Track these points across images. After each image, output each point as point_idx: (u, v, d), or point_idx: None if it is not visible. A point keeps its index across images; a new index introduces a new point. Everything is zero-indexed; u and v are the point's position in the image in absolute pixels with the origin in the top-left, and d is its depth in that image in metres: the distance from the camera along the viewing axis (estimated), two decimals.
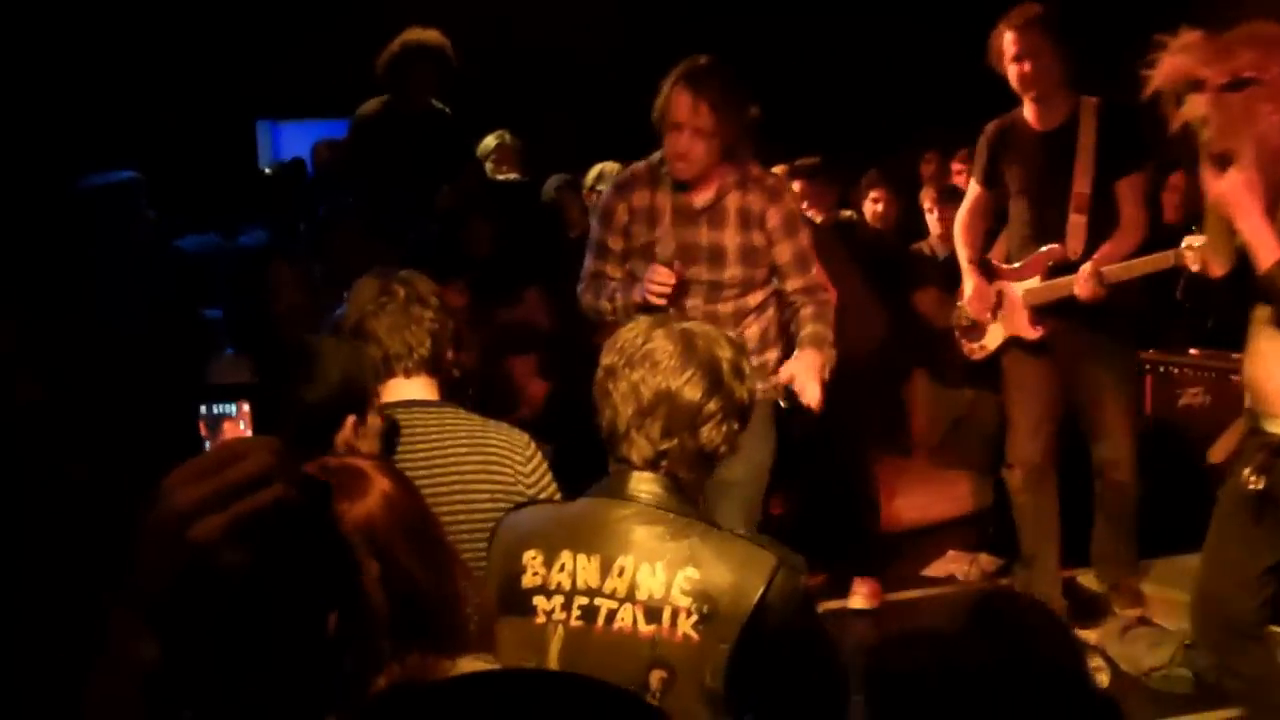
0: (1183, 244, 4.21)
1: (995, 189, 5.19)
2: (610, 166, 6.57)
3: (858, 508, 5.67)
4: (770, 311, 4.37)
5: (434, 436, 3.17)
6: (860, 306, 5.60)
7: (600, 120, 7.89)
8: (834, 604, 5.61)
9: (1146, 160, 4.99)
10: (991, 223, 5.34)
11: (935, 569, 5.94)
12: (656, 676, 2.39)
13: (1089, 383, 5.03)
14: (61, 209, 4.86)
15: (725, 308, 4.24)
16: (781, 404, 5.45)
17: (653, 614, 2.41)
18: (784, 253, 4.25)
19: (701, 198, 4.22)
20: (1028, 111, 5.00)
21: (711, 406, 2.50)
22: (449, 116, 6.48)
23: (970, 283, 5.22)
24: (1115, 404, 5.03)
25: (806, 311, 4.25)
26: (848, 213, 6.91)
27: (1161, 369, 6.19)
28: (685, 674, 2.38)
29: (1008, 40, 4.88)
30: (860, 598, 5.59)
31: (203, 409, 2.46)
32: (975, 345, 5.31)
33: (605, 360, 2.57)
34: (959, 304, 5.36)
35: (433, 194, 6.27)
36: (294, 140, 10.17)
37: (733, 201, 4.22)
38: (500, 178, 7.05)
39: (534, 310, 5.99)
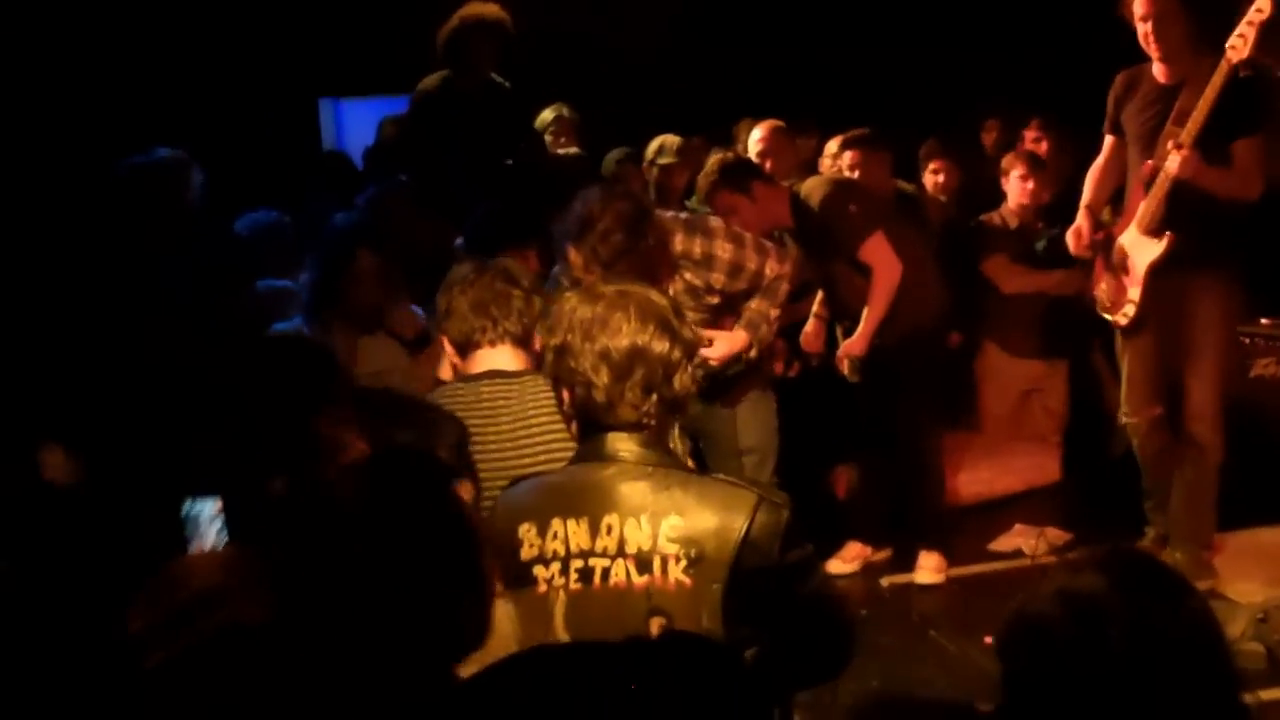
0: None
1: (1122, 137, 5.23)
2: (670, 140, 6.54)
3: (922, 481, 5.62)
4: None
5: (515, 407, 3.28)
6: (926, 280, 5.56)
7: (658, 95, 7.87)
8: (900, 578, 5.58)
9: (1261, 127, 4.92)
10: (1121, 179, 5.31)
11: (1001, 543, 5.89)
12: (655, 624, 2.45)
13: (1180, 333, 5.10)
14: (103, 189, 4.89)
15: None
16: (848, 376, 5.45)
17: (644, 565, 2.48)
18: (742, 285, 4.78)
19: None
20: (1155, 66, 5.04)
21: (676, 354, 2.54)
22: (508, 90, 6.47)
23: (1078, 222, 5.27)
24: (1201, 359, 5.08)
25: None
26: (908, 185, 6.83)
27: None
28: (682, 619, 2.45)
29: (1138, 1, 4.90)
30: (926, 572, 5.55)
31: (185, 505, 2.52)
32: (1123, 310, 5.24)
33: (554, 340, 2.58)
34: (1095, 293, 5.37)
35: (493, 167, 6.27)
36: (357, 118, 10.17)
37: (675, 286, 4.62)
38: (560, 151, 7.03)
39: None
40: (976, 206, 6.96)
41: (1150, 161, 4.98)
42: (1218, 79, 4.71)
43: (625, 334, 2.52)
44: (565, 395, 2.60)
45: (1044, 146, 7.14)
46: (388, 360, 4.45)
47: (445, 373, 3.71)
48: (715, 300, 4.79)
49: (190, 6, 8.28)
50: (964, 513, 6.14)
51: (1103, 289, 5.33)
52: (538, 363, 3.29)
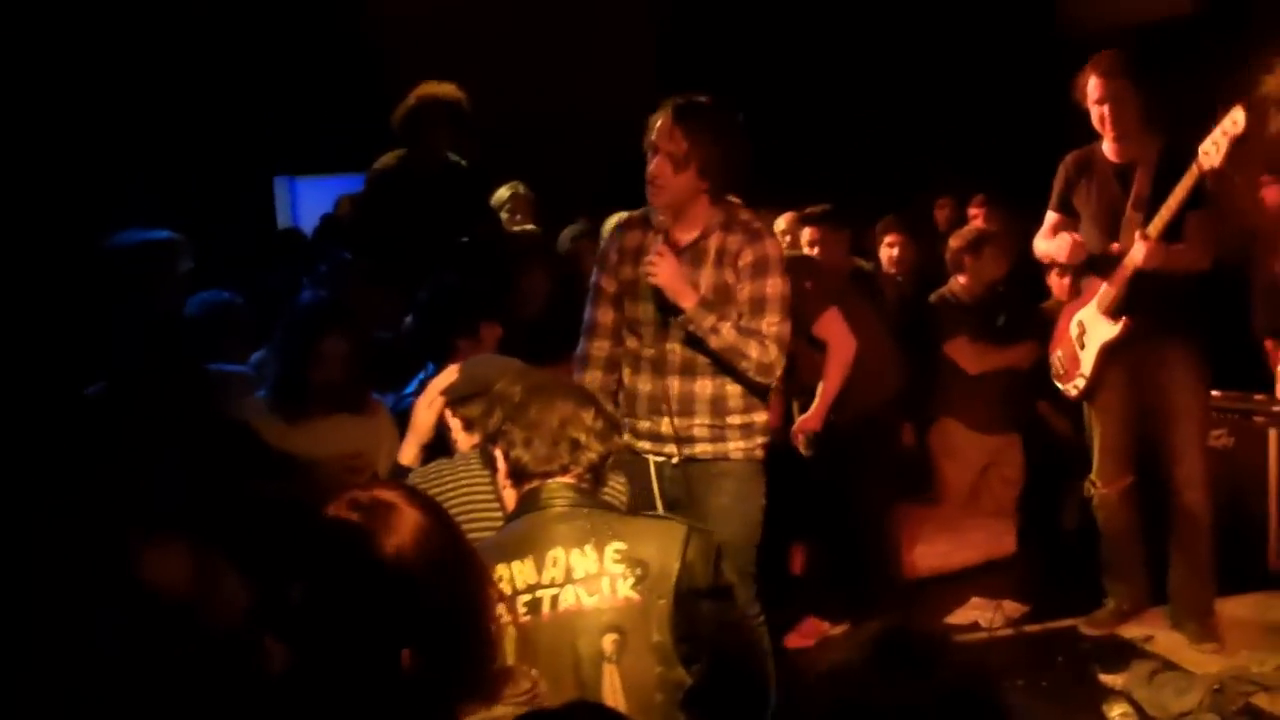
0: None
1: (1068, 216, 5.34)
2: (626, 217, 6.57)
3: (878, 556, 5.63)
4: None
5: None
6: (881, 356, 5.62)
7: (616, 170, 7.92)
8: None
9: (1207, 197, 5.07)
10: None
11: (959, 616, 5.89)
12: (610, 640, 2.68)
13: (1160, 403, 5.18)
14: (84, 265, 4.88)
15: (704, 353, 4.18)
16: (803, 451, 5.46)
17: (593, 587, 2.71)
18: (743, 291, 4.16)
19: (686, 236, 4.20)
20: (1106, 146, 5.19)
21: (600, 422, 2.90)
22: (465, 169, 6.50)
23: (1057, 240, 5.29)
24: (1189, 425, 5.18)
25: None
26: (864, 262, 6.90)
27: None
28: (634, 632, 2.69)
29: (1092, 85, 5.07)
30: None
31: None
32: (1073, 382, 5.37)
33: (496, 415, 2.92)
34: (1050, 356, 5.49)
35: (449, 247, 6.28)
36: (312, 196, 10.21)
37: (714, 242, 4.18)
38: (515, 229, 7.06)
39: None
40: (930, 282, 7.03)
41: (1116, 245, 5.09)
42: (1188, 180, 4.83)
43: (557, 404, 2.87)
44: (500, 461, 2.87)
45: (987, 221, 7.25)
46: (354, 442, 4.44)
47: (407, 457, 3.72)
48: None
49: (146, 84, 8.29)
50: (921, 586, 6.16)
51: (1059, 356, 5.42)
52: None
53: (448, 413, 3.62)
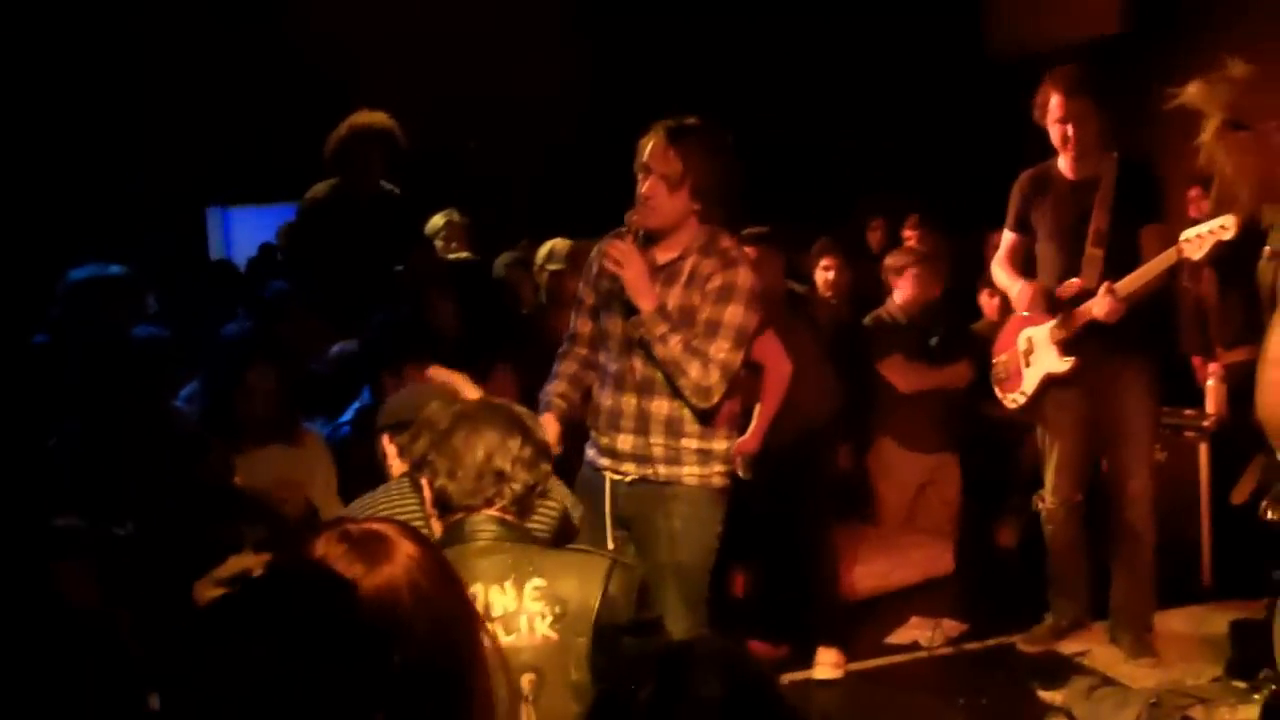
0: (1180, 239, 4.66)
1: (1026, 235, 5.37)
2: (560, 244, 6.57)
3: (818, 577, 5.65)
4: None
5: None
6: (817, 378, 5.64)
7: (549, 198, 7.94)
8: (799, 674, 5.56)
9: (1162, 211, 5.20)
10: (1023, 270, 5.44)
11: (899, 635, 5.91)
12: (526, 680, 2.66)
13: (1113, 421, 5.22)
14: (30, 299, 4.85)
15: (661, 373, 4.14)
16: (741, 474, 5.46)
17: (511, 625, 2.70)
18: (703, 313, 4.10)
19: (664, 255, 4.18)
20: (1062, 163, 5.21)
21: (527, 451, 2.85)
22: (398, 197, 6.49)
23: (1017, 286, 5.31)
24: (1137, 444, 5.22)
25: None
26: (799, 285, 6.92)
27: None
28: (551, 671, 2.67)
29: (1054, 103, 5.10)
30: (824, 667, 5.54)
31: None
32: (1013, 395, 5.42)
33: (421, 442, 2.89)
34: (994, 359, 5.52)
35: (385, 275, 6.26)
36: (245, 227, 10.15)
37: (690, 263, 4.15)
38: (451, 256, 7.05)
39: (503, 387, 5.94)
40: (866, 304, 7.07)
41: (1078, 280, 5.11)
42: (1166, 261, 4.88)
43: (482, 433, 2.83)
44: (426, 490, 2.85)
45: (921, 242, 7.31)
46: (286, 472, 4.41)
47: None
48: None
49: (78, 115, 8.23)
50: (861, 606, 6.17)
51: (1002, 362, 5.48)
52: None
53: (385, 439, 3.61)
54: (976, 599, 6.29)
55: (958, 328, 6.95)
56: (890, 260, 6.91)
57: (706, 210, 4.16)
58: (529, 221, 7.47)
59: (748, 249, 6.11)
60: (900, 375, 6.72)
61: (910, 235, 7.39)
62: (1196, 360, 6.45)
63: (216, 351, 4.56)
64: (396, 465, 3.54)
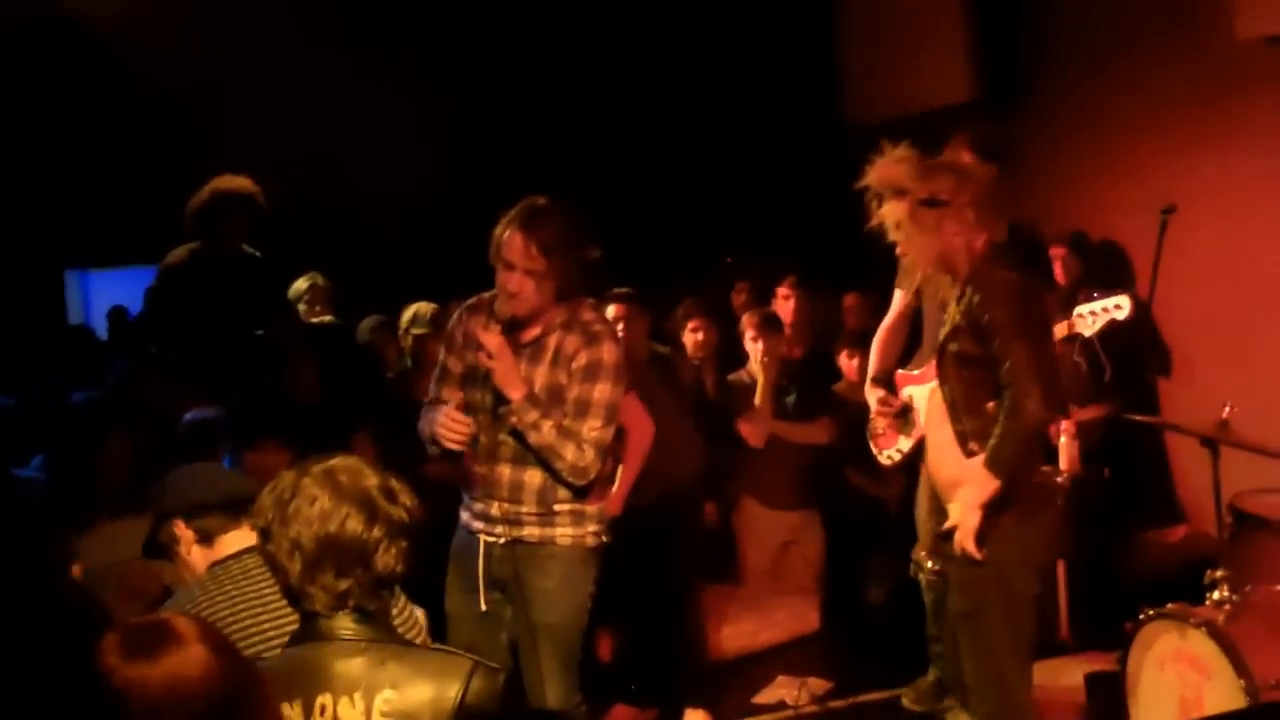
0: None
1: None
2: (424, 307, 6.56)
3: (685, 638, 5.67)
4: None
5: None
6: (680, 439, 5.68)
7: (414, 261, 7.92)
8: None
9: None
10: (908, 335, 5.45)
11: (766, 695, 5.94)
12: None
13: None
14: None
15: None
16: (603, 538, 5.46)
17: None
18: (571, 391, 4.21)
19: (528, 334, 4.25)
20: None
21: (375, 534, 2.54)
22: (261, 261, 6.43)
23: (874, 396, 5.31)
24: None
25: None
26: (662, 347, 6.98)
27: None
28: None
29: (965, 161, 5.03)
30: None
31: None
32: (888, 451, 5.40)
33: (259, 523, 2.58)
34: (871, 416, 5.47)
35: (246, 339, 6.20)
36: (104, 290, 9.98)
37: (554, 340, 4.24)
38: (314, 320, 7.00)
39: (363, 452, 5.90)
40: (732, 365, 7.15)
41: None
42: (1059, 332, 5.07)
43: (317, 520, 2.52)
44: (275, 578, 2.59)
45: (791, 304, 7.41)
46: (136, 548, 4.32)
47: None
48: None
49: None
50: (728, 667, 6.19)
51: (879, 417, 5.41)
52: None
53: (178, 524, 3.33)
54: (842, 657, 6.35)
55: (817, 387, 7.05)
56: (746, 320, 7.01)
57: (569, 292, 4.22)
58: (392, 285, 7.44)
59: (613, 306, 6.19)
60: (751, 431, 6.78)
61: (787, 294, 7.47)
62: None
63: (68, 420, 4.46)
64: (197, 554, 3.32)
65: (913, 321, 5.44)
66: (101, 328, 8.97)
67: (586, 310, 4.31)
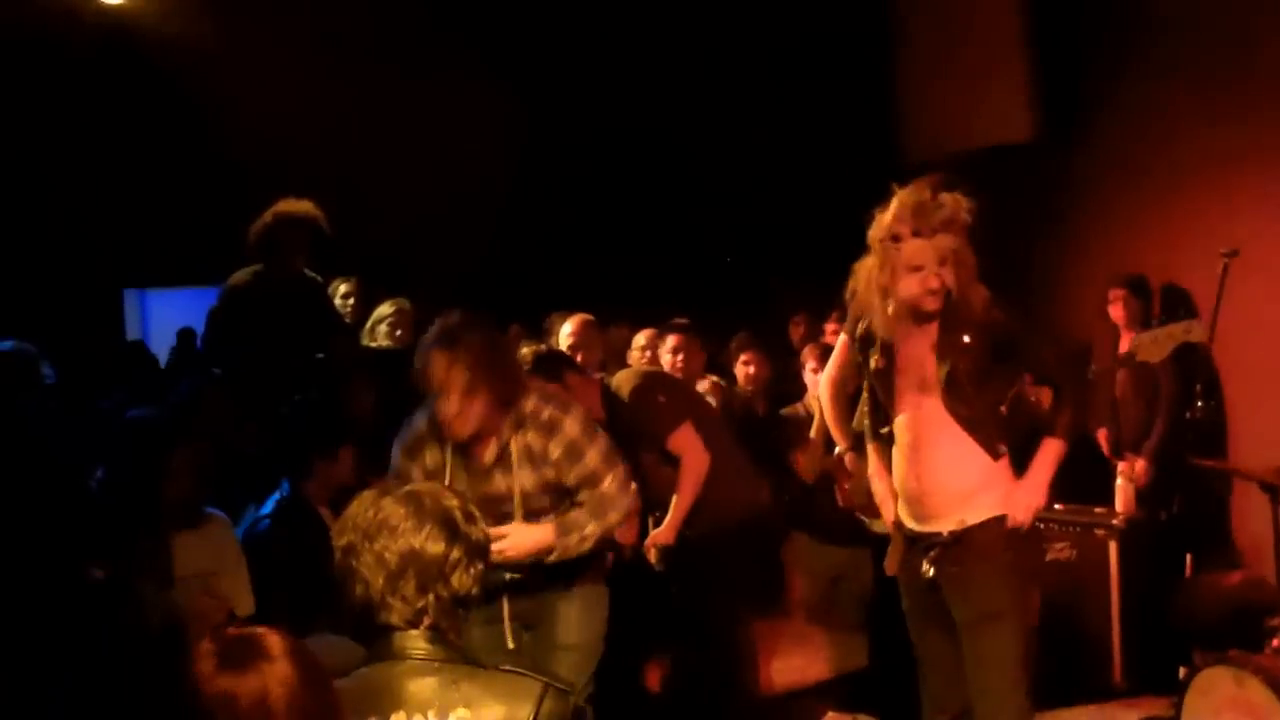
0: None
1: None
2: None
3: (734, 671, 5.64)
4: None
5: None
6: (733, 470, 5.67)
7: (470, 288, 7.96)
8: None
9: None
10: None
11: None
12: None
13: None
14: None
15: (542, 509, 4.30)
16: (655, 566, 5.47)
17: None
18: (570, 477, 4.26)
19: (488, 453, 4.24)
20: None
21: (455, 554, 2.64)
22: (321, 285, 6.49)
23: (857, 463, 5.14)
24: None
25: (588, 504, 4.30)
26: (715, 378, 6.99)
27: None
28: None
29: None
30: None
31: None
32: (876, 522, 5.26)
33: (341, 541, 2.66)
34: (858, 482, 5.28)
35: (306, 362, 6.24)
36: (162, 309, 10.08)
37: (516, 445, 4.23)
38: (375, 345, 7.05)
39: None
40: (783, 398, 7.15)
41: None
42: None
43: (401, 536, 2.61)
44: (349, 593, 2.64)
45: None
46: (202, 560, 4.36)
47: None
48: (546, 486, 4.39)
49: None
50: (776, 702, 6.16)
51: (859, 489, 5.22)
52: None
53: None
54: (891, 694, 6.30)
55: None
56: (805, 354, 7.00)
57: (506, 399, 4.17)
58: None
59: (671, 337, 6.22)
60: (809, 467, 6.76)
61: (834, 329, 7.46)
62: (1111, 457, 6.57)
63: (130, 435, 4.49)
64: None
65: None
66: (158, 346, 9.06)
67: (526, 401, 4.26)
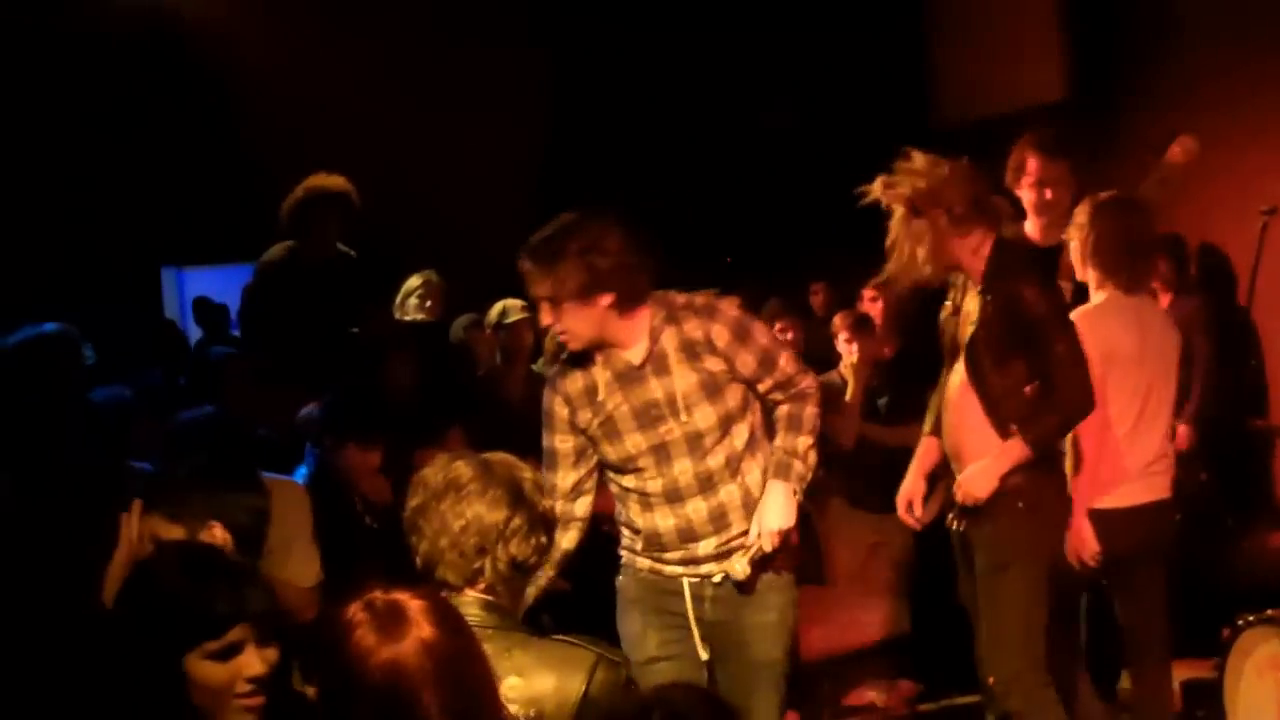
0: None
1: None
2: (513, 303, 6.60)
3: None
4: (761, 450, 3.96)
5: None
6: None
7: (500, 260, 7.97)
8: None
9: None
10: None
11: (854, 697, 5.93)
12: None
13: None
14: None
15: (715, 460, 3.84)
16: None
17: None
18: (746, 364, 3.84)
19: (635, 354, 3.83)
20: (1030, 228, 5.11)
21: (517, 522, 2.69)
22: (355, 260, 6.50)
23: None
24: None
25: (779, 413, 3.96)
26: None
27: None
28: None
29: (1033, 165, 5.01)
30: None
31: None
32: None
33: (414, 501, 2.74)
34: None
35: (340, 338, 6.27)
36: (199, 286, 10.13)
37: (669, 340, 3.82)
38: (407, 318, 7.07)
39: (456, 449, 5.93)
40: (817, 365, 7.11)
41: None
42: None
43: (466, 498, 2.67)
44: (414, 551, 2.71)
45: (879, 305, 7.36)
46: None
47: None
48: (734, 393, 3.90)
49: (31, 175, 8.23)
50: (816, 668, 6.16)
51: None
52: None
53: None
54: (932, 660, 6.30)
55: (910, 390, 6.99)
56: (837, 321, 6.98)
57: (621, 300, 3.77)
58: (485, 283, 7.49)
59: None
60: (844, 432, 6.75)
61: (873, 295, 7.43)
62: None
63: (190, 434, 4.49)
64: None
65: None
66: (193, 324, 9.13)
67: (673, 295, 3.90)
